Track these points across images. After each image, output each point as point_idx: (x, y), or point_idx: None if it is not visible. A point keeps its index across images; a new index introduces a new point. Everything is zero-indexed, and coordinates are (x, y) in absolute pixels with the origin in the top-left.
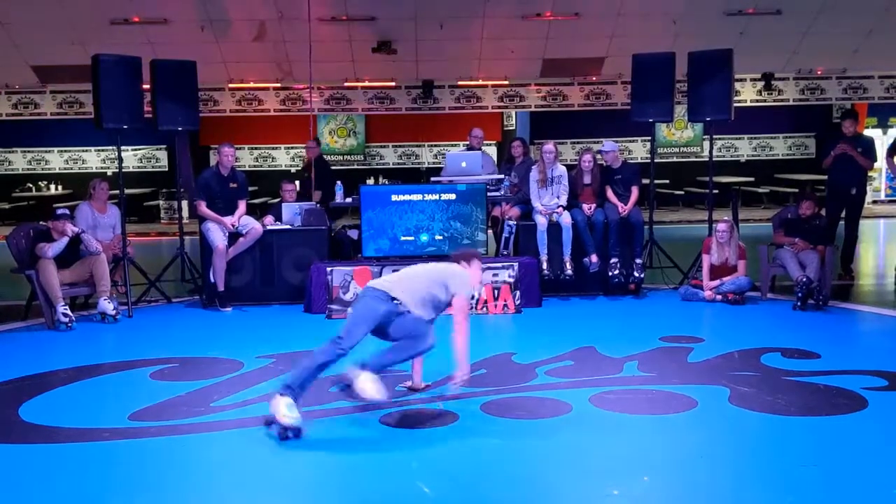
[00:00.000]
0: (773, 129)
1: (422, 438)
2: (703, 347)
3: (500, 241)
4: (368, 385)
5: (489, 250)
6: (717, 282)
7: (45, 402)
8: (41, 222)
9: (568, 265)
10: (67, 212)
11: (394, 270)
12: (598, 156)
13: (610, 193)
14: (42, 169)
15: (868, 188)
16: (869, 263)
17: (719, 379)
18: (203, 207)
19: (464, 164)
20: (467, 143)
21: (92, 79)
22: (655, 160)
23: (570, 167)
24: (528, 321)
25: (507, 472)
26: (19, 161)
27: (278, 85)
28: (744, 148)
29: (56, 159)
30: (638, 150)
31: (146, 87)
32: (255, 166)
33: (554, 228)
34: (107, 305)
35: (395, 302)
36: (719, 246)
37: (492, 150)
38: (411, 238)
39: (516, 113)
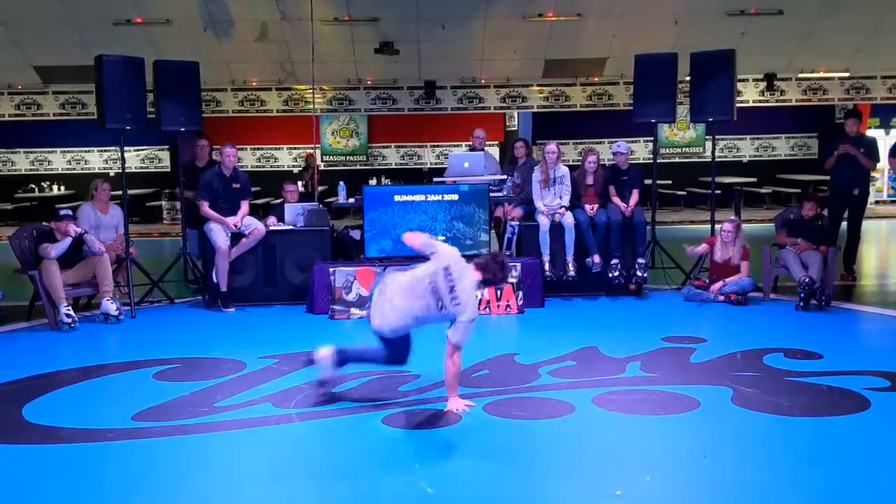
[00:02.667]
0: (776, 129)
1: (424, 439)
2: (705, 348)
3: (502, 242)
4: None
5: (492, 251)
6: (719, 283)
7: (49, 403)
8: (44, 223)
9: (570, 266)
10: (70, 212)
11: (396, 272)
12: (611, 156)
13: (614, 195)
14: (45, 169)
15: (871, 188)
16: (871, 264)
17: (722, 379)
18: (206, 208)
19: (466, 165)
20: (471, 143)
21: (95, 79)
22: (658, 160)
23: (572, 168)
24: (531, 321)
25: (510, 473)
26: (22, 161)
27: (281, 85)
28: (746, 148)
29: (58, 160)
30: (640, 150)
31: (149, 87)
32: (257, 167)
33: (556, 229)
34: (110, 306)
35: None
36: (723, 245)
37: (494, 151)
38: None
39: (518, 113)
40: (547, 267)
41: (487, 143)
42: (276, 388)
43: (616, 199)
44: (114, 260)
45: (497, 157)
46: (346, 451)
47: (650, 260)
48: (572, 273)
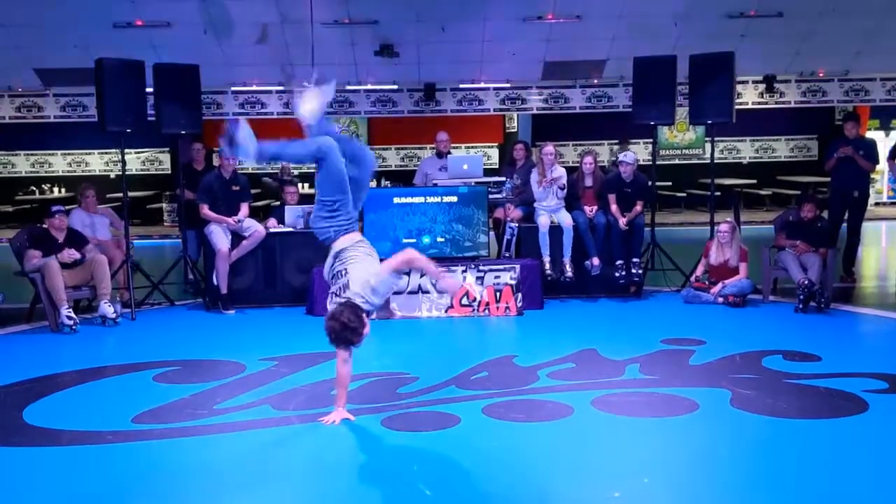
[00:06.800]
0: (775, 131)
1: (423, 441)
2: (704, 350)
3: (501, 244)
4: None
5: (491, 252)
6: (718, 285)
7: (49, 405)
8: (39, 225)
9: (567, 267)
10: (63, 208)
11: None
12: (613, 160)
13: (614, 207)
14: (45, 172)
15: (871, 190)
16: (871, 266)
17: (720, 381)
18: (206, 210)
19: (465, 167)
20: (469, 145)
21: (95, 82)
22: (657, 162)
23: (571, 169)
24: (530, 323)
25: (509, 475)
26: (22, 164)
27: (281, 88)
28: (746, 150)
29: (59, 162)
30: (640, 152)
31: (149, 90)
32: (257, 169)
33: (556, 230)
34: (107, 309)
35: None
36: (720, 247)
37: (494, 153)
38: (413, 240)
39: (518, 115)
40: (548, 267)
41: (488, 144)
42: (276, 390)
43: (614, 208)
44: (115, 261)
45: (496, 158)
46: (345, 454)
47: (650, 262)
48: (570, 274)
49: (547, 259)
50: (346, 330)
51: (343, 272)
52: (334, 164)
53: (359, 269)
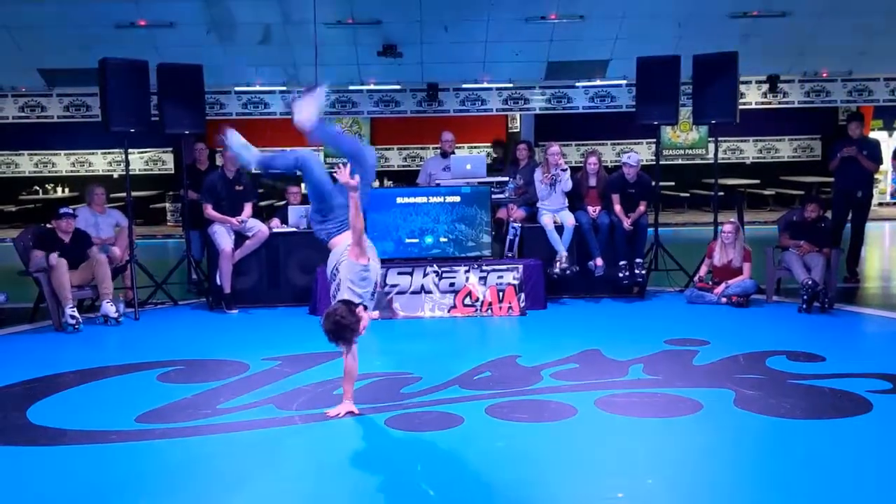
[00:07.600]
0: (779, 131)
1: (426, 441)
2: (708, 350)
3: (504, 244)
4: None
5: (494, 252)
6: (722, 286)
7: (53, 405)
8: (43, 225)
9: (557, 265)
10: (70, 210)
11: (399, 273)
12: (617, 160)
13: (618, 207)
14: (49, 172)
15: (874, 190)
16: (874, 266)
17: (724, 382)
18: (210, 210)
19: (468, 167)
20: (472, 145)
21: (99, 82)
22: (661, 162)
23: (574, 170)
24: (533, 323)
25: (512, 475)
26: (26, 164)
27: (284, 88)
28: (749, 150)
29: (63, 162)
30: (643, 152)
31: (153, 90)
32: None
33: (559, 230)
34: (109, 308)
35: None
36: (723, 247)
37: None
38: (416, 240)
39: (521, 115)
40: (564, 261)
41: (490, 145)
42: (279, 390)
43: (618, 208)
44: (120, 261)
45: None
46: (348, 453)
47: (654, 262)
48: (557, 271)
49: (563, 254)
50: (342, 327)
51: (336, 270)
52: (313, 174)
53: (345, 266)
